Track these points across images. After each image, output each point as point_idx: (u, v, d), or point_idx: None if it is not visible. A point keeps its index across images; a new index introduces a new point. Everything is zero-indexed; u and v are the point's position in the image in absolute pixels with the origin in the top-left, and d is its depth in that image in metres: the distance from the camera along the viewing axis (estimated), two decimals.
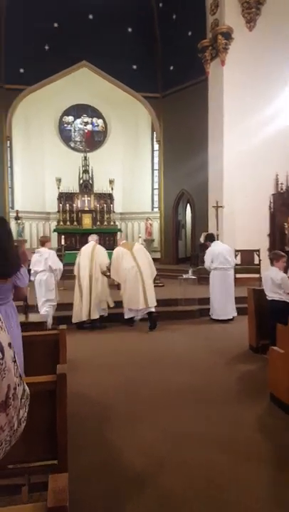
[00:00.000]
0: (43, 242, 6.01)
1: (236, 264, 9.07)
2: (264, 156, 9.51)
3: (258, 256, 9.08)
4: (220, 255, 6.82)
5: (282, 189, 9.61)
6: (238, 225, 9.63)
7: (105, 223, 13.73)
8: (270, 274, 4.43)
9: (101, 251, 6.46)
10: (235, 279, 8.94)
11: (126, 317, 6.29)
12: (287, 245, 9.14)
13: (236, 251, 9.11)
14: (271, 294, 4.42)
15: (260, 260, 9.01)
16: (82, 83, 14.03)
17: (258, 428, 2.99)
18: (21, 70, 12.87)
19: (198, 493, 2.20)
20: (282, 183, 9.63)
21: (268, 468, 2.47)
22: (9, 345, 0.57)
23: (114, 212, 14.39)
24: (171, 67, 13.19)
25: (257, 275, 8.81)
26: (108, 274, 6.33)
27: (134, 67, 13.65)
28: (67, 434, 1.75)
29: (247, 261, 9.20)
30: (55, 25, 13.12)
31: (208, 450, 2.66)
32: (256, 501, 2.14)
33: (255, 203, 9.60)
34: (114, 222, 14.28)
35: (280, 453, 2.64)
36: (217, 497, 2.17)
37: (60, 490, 0.90)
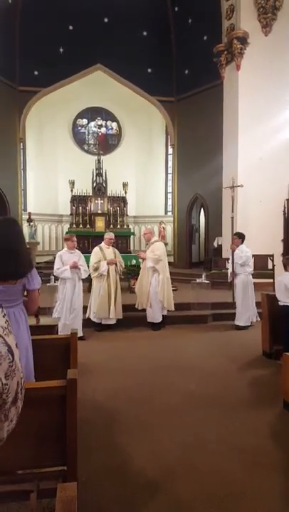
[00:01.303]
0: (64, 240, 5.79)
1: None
2: (279, 161, 9.41)
3: (272, 261, 8.96)
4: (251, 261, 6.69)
5: None
6: (252, 229, 9.52)
7: (118, 226, 13.77)
8: (284, 280, 4.36)
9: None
10: None
11: (159, 320, 6.26)
12: None
13: None
14: (285, 300, 4.35)
15: (273, 265, 8.89)
16: (97, 86, 14.16)
17: (270, 435, 2.93)
18: (36, 72, 13.05)
19: (209, 501, 2.17)
20: None
21: (280, 477, 2.41)
22: (16, 345, 0.64)
23: (127, 215, 14.43)
24: (186, 71, 13.20)
25: (271, 280, 8.68)
26: (94, 275, 6.13)
27: (149, 70, 13.70)
28: (76, 440, 1.74)
29: (261, 266, 9.08)
30: (70, 27, 13.28)
31: (219, 457, 2.62)
32: (268, 510, 2.10)
33: (270, 207, 9.49)
34: (128, 226, 14.32)
35: None
36: (228, 505, 2.14)
37: (68, 500, 0.89)
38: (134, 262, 9.30)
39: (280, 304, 4.41)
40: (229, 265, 6.82)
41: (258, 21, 9.40)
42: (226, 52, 9.85)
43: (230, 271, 6.61)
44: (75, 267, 5.49)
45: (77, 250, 5.81)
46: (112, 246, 6.52)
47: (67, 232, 13.50)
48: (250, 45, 9.42)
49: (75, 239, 5.84)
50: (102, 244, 6.40)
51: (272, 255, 9.00)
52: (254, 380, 4.11)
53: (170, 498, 2.20)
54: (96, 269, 6.12)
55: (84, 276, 5.66)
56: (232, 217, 7.24)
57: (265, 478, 2.39)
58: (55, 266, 5.53)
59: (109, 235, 6.50)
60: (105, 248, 6.33)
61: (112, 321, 6.18)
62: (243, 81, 9.48)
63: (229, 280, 6.73)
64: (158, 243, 6.58)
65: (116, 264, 6.25)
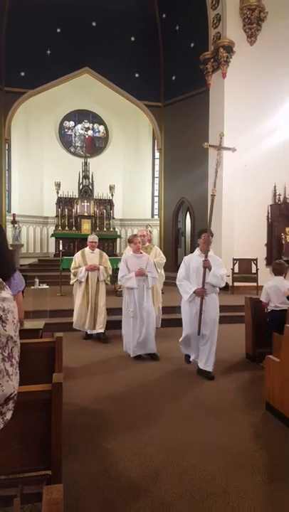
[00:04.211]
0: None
1: (235, 273, 9.14)
2: (263, 168, 9.61)
3: (256, 265, 9.13)
4: None
5: (279, 200, 9.70)
6: (237, 234, 9.70)
7: (105, 229, 13.77)
8: (288, 285, 4.47)
9: None
10: (233, 287, 9.02)
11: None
12: (284, 255, 9.19)
13: (234, 259, 9.17)
14: (276, 303, 4.45)
15: (257, 269, 9.06)
16: (84, 89, 14.17)
17: (254, 437, 2.98)
18: (22, 74, 12.97)
19: (193, 503, 2.20)
20: (279, 194, 9.72)
21: (263, 478, 2.46)
22: None
23: (114, 218, 14.45)
24: (173, 77, 13.36)
25: (254, 284, 8.84)
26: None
27: (137, 75, 13.80)
28: (61, 444, 1.75)
29: (244, 270, 9.24)
30: (58, 30, 13.26)
31: (203, 458, 2.66)
32: (249, 510, 2.14)
33: (254, 213, 9.68)
34: (114, 229, 14.33)
35: (275, 462, 2.63)
36: (212, 506, 2.17)
37: (54, 502, 0.90)
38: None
39: (277, 308, 4.46)
40: (183, 280, 4.39)
41: (243, 31, 9.62)
42: (212, 60, 10.02)
43: (191, 289, 4.23)
44: (141, 274, 4.76)
45: (144, 253, 5.09)
46: (100, 249, 6.19)
47: (57, 236, 13.39)
48: (235, 54, 9.62)
49: (138, 239, 5.07)
50: (86, 248, 6.01)
51: (256, 259, 9.17)
52: (238, 382, 4.18)
53: (154, 499, 2.22)
54: (75, 274, 5.84)
55: (151, 285, 4.97)
56: (212, 196, 4.78)
57: (249, 479, 2.44)
58: (120, 273, 4.83)
59: (91, 238, 6.01)
60: (88, 252, 5.92)
61: (97, 331, 5.82)
62: (229, 89, 9.66)
63: (188, 300, 4.26)
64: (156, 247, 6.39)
65: (99, 270, 5.78)
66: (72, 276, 5.90)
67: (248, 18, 9.45)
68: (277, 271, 4.62)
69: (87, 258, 5.83)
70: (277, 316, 4.39)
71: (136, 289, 4.78)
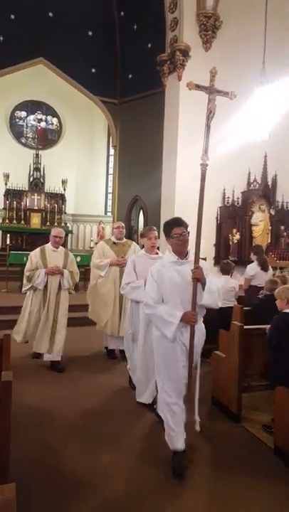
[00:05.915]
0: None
1: None
2: (215, 171, 9.86)
3: None
4: None
5: (228, 202, 10.16)
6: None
7: (56, 224, 13.44)
8: (234, 284, 4.69)
9: None
10: None
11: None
12: (231, 255, 9.66)
13: None
14: (228, 302, 4.68)
15: None
16: (39, 79, 13.69)
17: (200, 431, 3.10)
18: None
19: (141, 497, 2.25)
20: (228, 197, 10.17)
21: (208, 470, 2.58)
22: None
23: (65, 213, 14.15)
24: (130, 76, 13.39)
25: None
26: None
27: (93, 70, 13.62)
28: (9, 444, 1.70)
29: None
30: (12, 16, 12.65)
31: (150, 454, 2.72)
32: (198, 500, 2.24)
33: (204, 214, 9.93)
34: (66, 224, 14.03)
35: (221, 454, 2.77)
36: (159, 499, 2.23)
37: (7, 501, 0.89)
38: None
39: (226, 305, 4.67)
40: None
41: (199, 37, 9.90)
42: (168, 62, 10.18)
43: (176, 317, 2.51)
44: None
45: (160, 254, 3.61)
46: (64, 246, 4.91)
47: (3, 230, 12.73)
48: (191, 58, 9.86)
49: (155, 234, 3.60)
50: (48, 244, 4.54)
51: (205, 258, 9.53)
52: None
53: (102, 495, 2.25)
54: (29, 279, 4.39)
55: None
56: (203, 165, 3.14)
57: (194, 471, 2.54)
58: (124, 279, 3.53)
59: (56, 232, 4.50)
60: (51, 251, 4.48)
61: (54, 357, 4.38)
62: (184, 92, 9.87)
63: (172, 336, 2.54)
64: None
65: (62, 275, 4.41)
66: (25, 281, 4.46)
67: (204, 25, 9.74)
68: (225, 270, 4.87)
69: (49, 258, 4.40)
70: (224, 314, 4.61)
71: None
